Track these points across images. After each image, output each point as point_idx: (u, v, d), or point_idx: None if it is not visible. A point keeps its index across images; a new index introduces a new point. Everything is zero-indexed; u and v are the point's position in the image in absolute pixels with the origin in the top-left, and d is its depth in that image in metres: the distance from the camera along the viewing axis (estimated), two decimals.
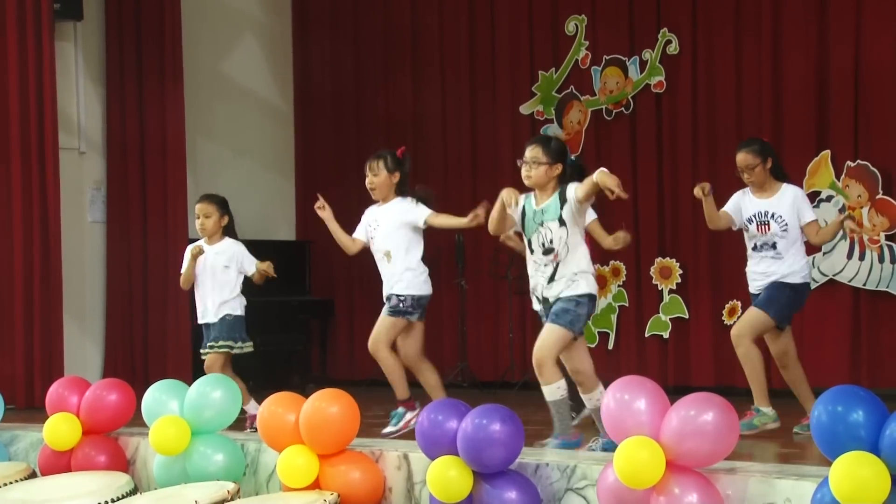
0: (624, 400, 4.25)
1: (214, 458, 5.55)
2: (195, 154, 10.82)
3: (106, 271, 10.34)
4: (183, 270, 7.14)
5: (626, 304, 9.43)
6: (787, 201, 6.38)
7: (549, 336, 5.55)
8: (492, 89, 10.32)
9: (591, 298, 5.62)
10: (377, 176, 6.60)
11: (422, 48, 10.84)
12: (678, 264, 9.14)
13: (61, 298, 9.29)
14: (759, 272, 6.42)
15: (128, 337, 10.25)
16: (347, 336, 10.97)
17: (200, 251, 7.01)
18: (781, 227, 6.34)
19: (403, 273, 6.55)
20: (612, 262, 9.51)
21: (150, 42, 10.32)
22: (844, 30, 8.29)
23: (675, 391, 4.46)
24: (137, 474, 6.10)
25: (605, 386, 5.35)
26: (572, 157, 5.85)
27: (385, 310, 6.56)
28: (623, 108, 9.45)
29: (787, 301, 6.33)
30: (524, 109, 10.06)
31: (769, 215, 6.39)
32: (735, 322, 6.78)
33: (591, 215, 5.99)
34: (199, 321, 7.15)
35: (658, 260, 9.25)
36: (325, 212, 6.79)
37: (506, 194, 5.62)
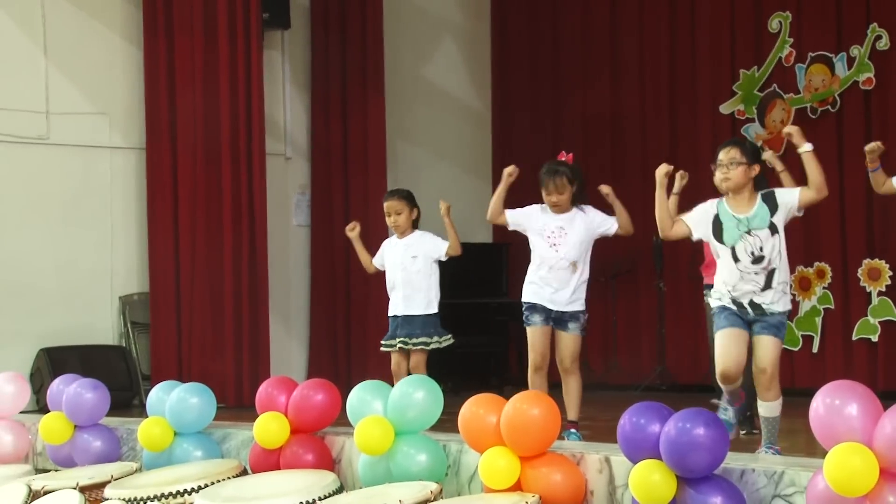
0: (834, 405, 4.12)
1: (418, 458, 5.60)
2: (395, 158, 10.99)
3: (310, 274, 10.59)
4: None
5: (832, 307, 9.18)
6: None
7: (774, 350, 5.43)
8: (691, 88, 10.20)
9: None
10: (562, 194, 6.51)
11: (621, 47, 10.77)
12: (888, 266, 8.85)
13: (268, 300, 9.53)
14: None
15: (331, 338, 10.46)
16: None
17: (353, 227, 7.40)
18: None
19: (584, 286, 6.54)
20: (816, 264, 9.27)
21: (353, 49, 10.54)
22: None
23: (885, 396, 4.30)
24: (343, 473, 6.19)
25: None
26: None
27: (575, 328, 6.50)
28: (829, 106, 9.21)
29: None
30: (724, 109, 9.91)
31: None
32: None
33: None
34: (389, 313, 7.24)
35: (866, 261, 8.98)
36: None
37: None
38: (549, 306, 6.53)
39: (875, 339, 8.93)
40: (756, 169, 5.50)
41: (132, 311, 9.67)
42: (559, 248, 6.52)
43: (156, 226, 9.51)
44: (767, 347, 5.44)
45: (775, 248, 5.43)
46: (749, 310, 5.49)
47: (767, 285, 5.45)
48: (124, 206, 9.71)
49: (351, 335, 10.41)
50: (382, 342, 7.24)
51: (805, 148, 5.35)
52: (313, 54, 10.65)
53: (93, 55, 9.67)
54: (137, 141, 9.70)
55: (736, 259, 5.49)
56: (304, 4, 10.63)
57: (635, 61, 10.63)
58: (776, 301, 5.45)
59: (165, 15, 9.48)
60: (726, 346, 5.51)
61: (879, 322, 8.90)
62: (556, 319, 6.54)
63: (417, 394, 5.75)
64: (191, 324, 9.38)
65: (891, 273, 8.84)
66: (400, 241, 7.25)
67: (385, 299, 10.17)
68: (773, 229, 5.44)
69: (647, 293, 10.17)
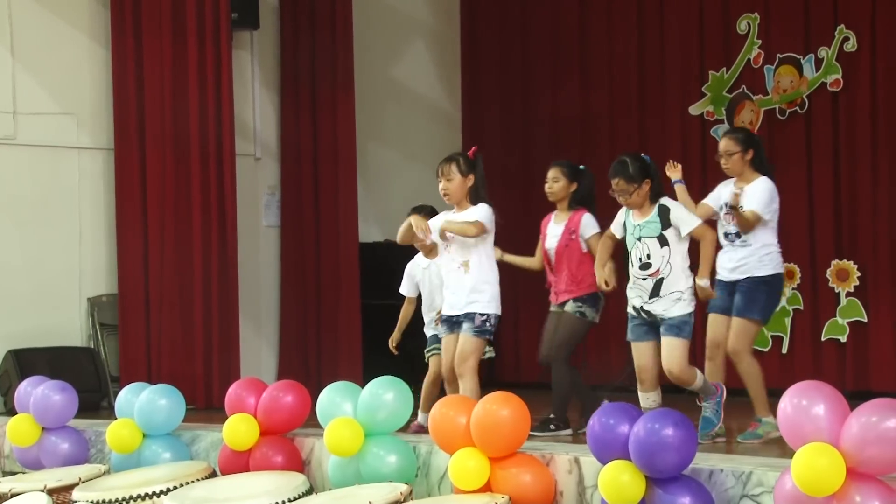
0: (802, 405, 4.16)
1: (387, 459, 5.62)
2: (365, 159, 10.96)
3: (280, 274, 10.56)
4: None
5: (801, 308, 9.22)
6: (751, 192, 6.30)
7: (675, 350, 5.84)
8: (660, 90, 10.20)
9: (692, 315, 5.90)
10: (451, 181, 6.39)
11: (590, 49, 10.77)
12: (856, 266, 8.90)
13: (237, 301, 9.46)
14: (728, 260, 6.38)
15: (301, 339, 10.42)
16: (512, 339, 10.94)
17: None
18: None
19: (484, 287, 6.27)
20: (785, 265, 9.27)
21: (322, 50, 10.50)
22: None
23: (853, 397, 4.34)
24: (312, 474, 6.19)
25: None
26: (647, 158, 6.05)
27: (468, 329, 6.21)
28: (797, 108, 9.25)
29: (766, 298, 6.38)
30: (693, 110, 9.93)
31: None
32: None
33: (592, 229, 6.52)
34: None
35: (835, 262, 9.01)
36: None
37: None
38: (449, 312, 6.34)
39: (844, 339, 8.97)
40: (647, 185, 5.90)
41: (101, 313, 9.61)
42: (450, 248, 6.34)
43: (124, 227, 9.45)
44: (668, 348, 5.84)
45: (664, 259, 5.79)
46: (644, 316, 5.92)
47: (655, 293, 5.82)
48: (92, 207, 9.65)
49: (321, 336, 10.37)
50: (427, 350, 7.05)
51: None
52: (283, 55, 10.62)
53: (60, 55, 9.61)
54: (105, 141, 9.65)
55: (631, 264, 5.93)
56: (273, 4, 10.59)
57: (604, 63, 10.63)
58: (669, 308, 5.83)
59: (133, 15, 9.43)
60: (636, 359, 6.06)
61: (848, 322, 8.94)
62: (457, 324, 6.31)
63: (387, 395, 5.77)
64: (160, 325, 9.33)
65: (859, 274, 8.88)
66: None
67: (355, 303, 10.18)
68: (663, 241, 5.81)
69: (616, 294, 10.16)
